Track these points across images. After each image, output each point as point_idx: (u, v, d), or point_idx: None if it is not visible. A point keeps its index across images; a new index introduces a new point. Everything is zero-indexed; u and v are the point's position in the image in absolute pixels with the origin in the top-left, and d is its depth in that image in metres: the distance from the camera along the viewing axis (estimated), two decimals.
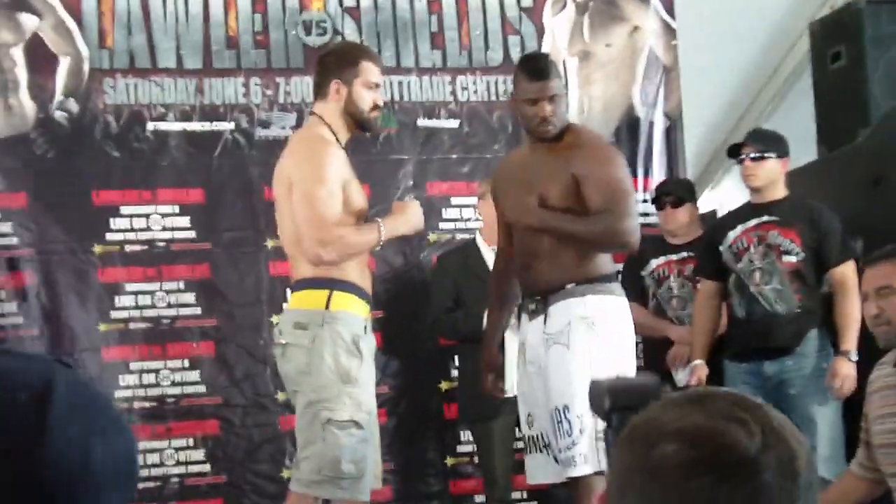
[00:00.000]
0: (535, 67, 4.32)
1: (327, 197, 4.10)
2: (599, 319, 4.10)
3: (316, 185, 4.11)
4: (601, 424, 3.94)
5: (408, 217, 4.29)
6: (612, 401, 2.25)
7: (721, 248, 5.04)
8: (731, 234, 5.02)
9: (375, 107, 4.28)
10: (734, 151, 5.11)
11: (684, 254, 5.41)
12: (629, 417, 2.19)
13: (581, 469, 4.02)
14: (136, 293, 5.33)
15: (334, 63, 4.33)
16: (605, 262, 4.25)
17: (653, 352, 5.34)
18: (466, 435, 5.52)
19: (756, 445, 1.13)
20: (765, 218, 4.98)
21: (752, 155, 4.99)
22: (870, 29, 5.37)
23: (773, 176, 5.01)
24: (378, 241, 4.16)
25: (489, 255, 5.21)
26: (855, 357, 4.71)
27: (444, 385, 5.58)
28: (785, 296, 4.89)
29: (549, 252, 4.18)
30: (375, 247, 4.20)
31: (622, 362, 4.00)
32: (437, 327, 5.36)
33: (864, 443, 3.74)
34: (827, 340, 4.85)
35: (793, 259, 4.91)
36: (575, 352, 4.07)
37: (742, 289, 4.97)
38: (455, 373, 5.52)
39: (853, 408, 4.79)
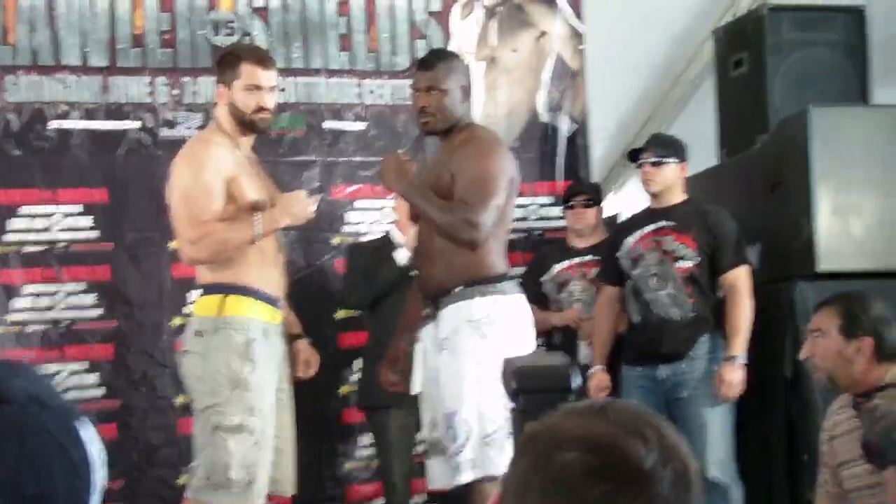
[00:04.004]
0: (421, 58, 4.43)
1: (200, 195, 4.10)
2: (487, 322, 4.08)
3: (188, 184, 4.13)
4: (490, 428, 4.01)
5: (287, 208, 4.22)
6: (519, 383, 2.25)
7: (619, 254, 5.09)
8: (629, 240, 5.07)
9: (260, 108, 4.24)
10: (634, 156, 5.17)
11: (588, 257, 5.46)
12: (534, 400, 2.21)
13: (467, 475, 4.02)
14: (34, 295, 5.28)
15: (218, 66, 4.38)
16: (495, 262, 4.20)
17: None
18: (364, 440, 5.54)
19: (653, 458, 1.16)
20: (661, 223, 5.02)
21: (652, 160, 5.04)
22: (771, 36, 5.42)
23: (671, 181, 5.05)
24: (254, 236, 4.11)
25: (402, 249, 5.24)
26: (743, 361, 4.78)
27: (343, 389, 5.59)
28: (679, 301, 4.94)
29: (438, 254, 4.18)
30: (253, 240, 4.12)
31: None
32: (354, 297, 5.36)
33: (827, 492, 3.73)
34: (720, 344, 4.89)
35: (688, 264, 4.95)
36: (462, 357, 4.07)
37: (638, 294, 5.01)
38: (354, 377, 5.55)
39: (744, 411, 4.89)
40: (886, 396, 3.55)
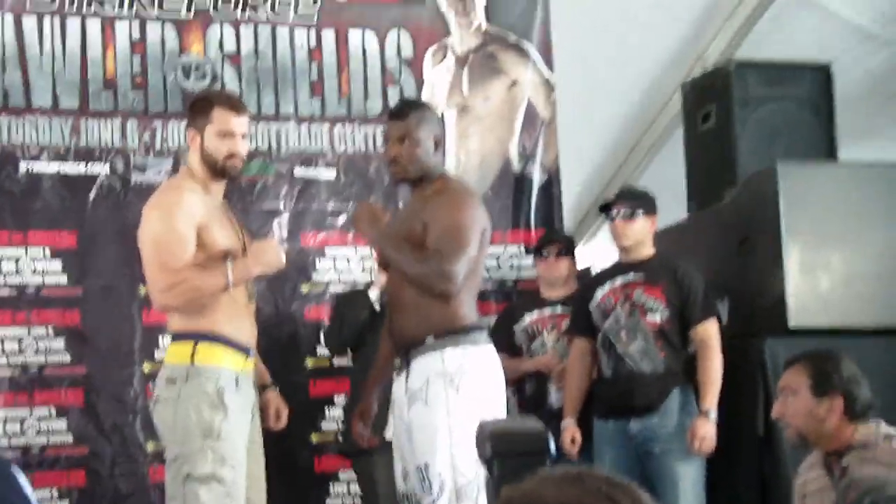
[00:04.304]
0: (392, 108, 4.45)
1: (172, 242, 4.07)
2: (459, 373, 4.06)
3: (160, 230, 4.10)
4: (462, 481, 4.01)
5: (259, 256, 4.19)
6: (494, 447, 2.25)
7: (590, 306, 5.12)
8: (599, 293, 5.10)
9: (232, 155, 4.21)
10: (605, 209, 5.20)
11: (559, 309, 5.46)
12: (510, 464, 2.20)
13: None
14: (2, 339, 5.23)
15: (189, 111, 4.36)
16: (466, 313, 4.18)
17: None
18: (336, 488, 5.52)
19: None
20: (631, 276, 5.06)
21: (623, 213, 5.08)
22: (738, 91, 5.48)
23: (642, 235, 5.09)
24: (226, 284, 4.08)
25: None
26: (714, 416, 4.80)
27: (314, 437, 5.57)
28: (650, 354, 4.96)
29: (409, 304, 4.16)
30: (226, 288, 4.08)
31: (486, 415, 3.75)
32: (328, 342, 5.40)
33: None
34: (691, 398, 4.91)
35: (657, 318, 4.98)
36: (434, 409, 4.04)
37: (609, 347, 5.03)
38: (326, 425, 5.54)
39: (715, 467, 4.90)
40: (855, 457, 3.58)
